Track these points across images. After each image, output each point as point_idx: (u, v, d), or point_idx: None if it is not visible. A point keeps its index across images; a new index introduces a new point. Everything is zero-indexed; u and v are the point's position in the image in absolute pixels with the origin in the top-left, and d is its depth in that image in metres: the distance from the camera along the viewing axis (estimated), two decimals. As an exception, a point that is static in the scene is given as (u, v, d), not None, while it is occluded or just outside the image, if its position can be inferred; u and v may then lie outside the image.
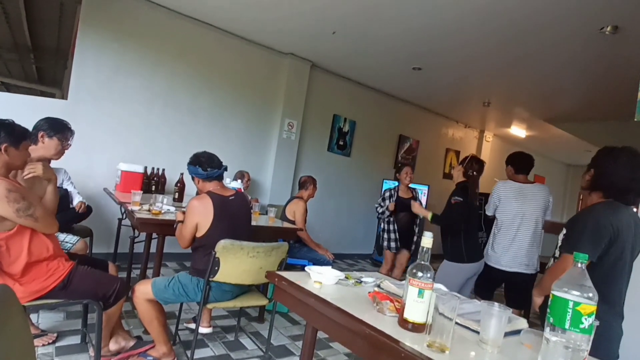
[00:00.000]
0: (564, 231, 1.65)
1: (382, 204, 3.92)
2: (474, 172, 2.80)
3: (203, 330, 2.62)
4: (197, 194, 3.33)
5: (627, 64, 3.49)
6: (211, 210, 2.08)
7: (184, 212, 2.32)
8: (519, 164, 2.90)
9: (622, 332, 1.54)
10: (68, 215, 2.84)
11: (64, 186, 2.95)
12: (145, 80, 4.04)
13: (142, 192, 2.95)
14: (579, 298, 0.92)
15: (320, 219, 5.48)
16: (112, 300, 1.92)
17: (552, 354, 0.94)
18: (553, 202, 2.85)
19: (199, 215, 2.09)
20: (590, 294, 0.93)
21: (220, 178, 2.26)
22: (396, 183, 4.09)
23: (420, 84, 5.29)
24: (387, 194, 3.94)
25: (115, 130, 3.91)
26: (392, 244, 3.88)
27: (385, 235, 3.95)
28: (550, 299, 0.97)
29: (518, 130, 7.17)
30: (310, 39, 4.29)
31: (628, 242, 1.51)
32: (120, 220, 3.75)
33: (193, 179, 2.27)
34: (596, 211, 1.54)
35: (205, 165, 2.19)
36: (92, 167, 3.77)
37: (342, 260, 5.76)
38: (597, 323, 0.99)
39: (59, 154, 2.38)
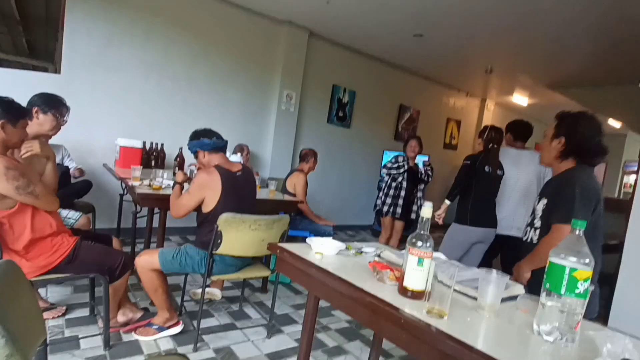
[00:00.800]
0: (544, 200, 1.60)
1: (397, 167, 3.92)
2: (495, 145, 2.81)
3: (215, 291, 2.70)
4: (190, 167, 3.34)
5: (634, 24, 3.38)
6: (219, 185, 2.07)
7: (185, 174, 2.30)
8: (519, 131, 2.99)
9: (599, 289, 1.58)
10: (69, 191, 2.86)
11: (65, 163, 2.95)
12: (139, 50, 3.93)
13: (141, 167, 2.95)
14: (575, 264, 0.94)
15: (320, 191, 5.50)
16: (117, 273, 1.96)
17: (548, 318, 0.96)
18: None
19: (208, 189, 2.07)
20: (587, 260, 0.94)
21: (224, 149, 2.24)
22: (396, 153, 4.12)
23: (421, 52, 5.16)
24: (401, 160, 3.93)
25: (112, 104, 3.85)
26: (398, 209, 3.96)
27: (390, 201, 3.98)
28: (547, 266, 0.99)
29: (520, 98, 7.06)
30: (306, 5, 4.15)
31: (601, 203, 1.55)
32: (121, 195, 3.77)
33: (196, 155, 2.21)
34: (579, 177, 1.54)
35: (209, 135, 2.16)
36: (90, 142, 3.74)
37: (342, 231, 5.84)
38: (592, 288, 1.01)
39: (54, 129, 2.35)
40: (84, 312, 2.34)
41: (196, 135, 2.19)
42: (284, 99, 4.90)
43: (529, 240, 1.67)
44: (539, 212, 1.62)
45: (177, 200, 2.16)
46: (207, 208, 2.10)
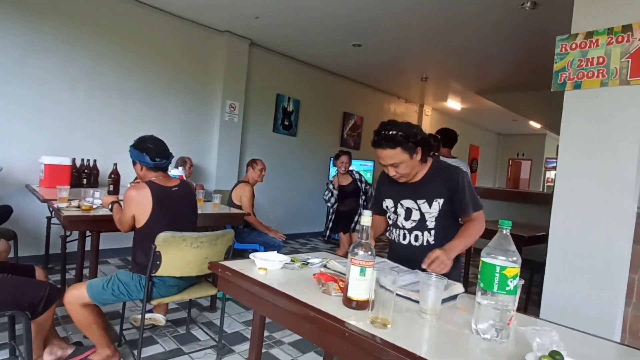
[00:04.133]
0: (440, 201, 1.60)
1: (330, 196, 4.41)
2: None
3: (158, 316, 2.52)
4: (135, 179, 3.13)
5: (545, 38, 3.74)
6: (149, 201, 1.95)
7: (113, 197, 2.24)
8: (445, 138, 3.26)
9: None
10: (-18, 219, 2.56)
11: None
12: (64, 60, 3.63)
13: (70, 187, 2.71)
14: (504, 262, 0.99)
15: (269, 201, 5.43)
16: (41, 307, 1.76)
17: (484, 316, 1.00)
18: (470, 173, 3.27)
19: (136, 206, 1.96)
20: (514, 258, 0.99)
21: (166, 169, 2.12)
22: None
23: (361, 61, 5.32)
24: (330, 187, 4.39)
25: (33, 119, 3.51)
26: (330, 230, 4.43)
27: (326, 223, 4.54)
28: (480, 266, 1.03)
29: (454, 103, 7.52)
30: (244, 16, 4.11)
31: None
32: (49, 218, 3.44)
33: (134, 164, 2.08)
34: (450, 166, 1.71)
35: (154, 153, 2.02)
36: (8, 162, 3.38)
37: (294, 240, 5.80)
38: (522, 282, 1.07)
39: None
40: (4, 354, 2.08)
41: (143, 145, 2.04)
42: (227, 109, 4.78)
43: (424, 243, 1.64)
44: (433, 213, 1.62)
45: (117, 218, 2.11)
46: (138, 224, 1.99)
